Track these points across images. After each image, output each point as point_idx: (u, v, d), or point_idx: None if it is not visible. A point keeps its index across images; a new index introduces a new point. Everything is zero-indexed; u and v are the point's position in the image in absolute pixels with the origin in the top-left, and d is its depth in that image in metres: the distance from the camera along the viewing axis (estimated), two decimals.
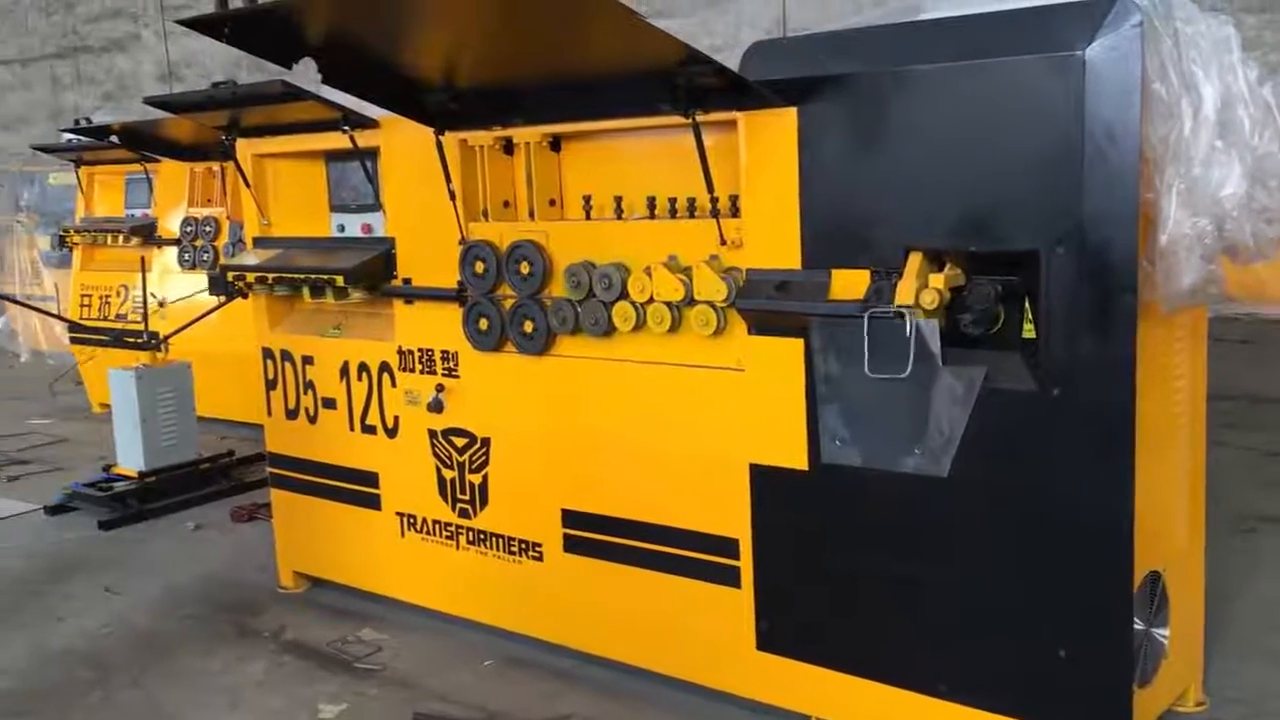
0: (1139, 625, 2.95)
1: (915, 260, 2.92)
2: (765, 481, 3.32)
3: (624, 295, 3.49)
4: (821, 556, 3.27)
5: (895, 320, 2.92)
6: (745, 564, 3.41)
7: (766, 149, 3.16)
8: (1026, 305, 2.88)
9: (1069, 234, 2.72)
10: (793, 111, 3.08)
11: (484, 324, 3.89)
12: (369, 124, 4.15)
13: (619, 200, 3.66)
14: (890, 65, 2.93)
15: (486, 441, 4.02)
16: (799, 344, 3.16)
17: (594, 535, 3.76)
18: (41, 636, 4.51)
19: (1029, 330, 2.87)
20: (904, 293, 2.90)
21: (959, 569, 3.02)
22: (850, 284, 3.04)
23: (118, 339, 7.08)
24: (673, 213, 3.54)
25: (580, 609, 3.86)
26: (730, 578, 3.45)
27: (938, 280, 2.88)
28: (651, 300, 3.42)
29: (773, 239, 3.19)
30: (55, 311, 9.40)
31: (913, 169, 2.93)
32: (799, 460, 3.23)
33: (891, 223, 2.98)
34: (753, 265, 3.25)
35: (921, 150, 2.91)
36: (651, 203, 3.58)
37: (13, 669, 4.23)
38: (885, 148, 2.97)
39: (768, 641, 3.40)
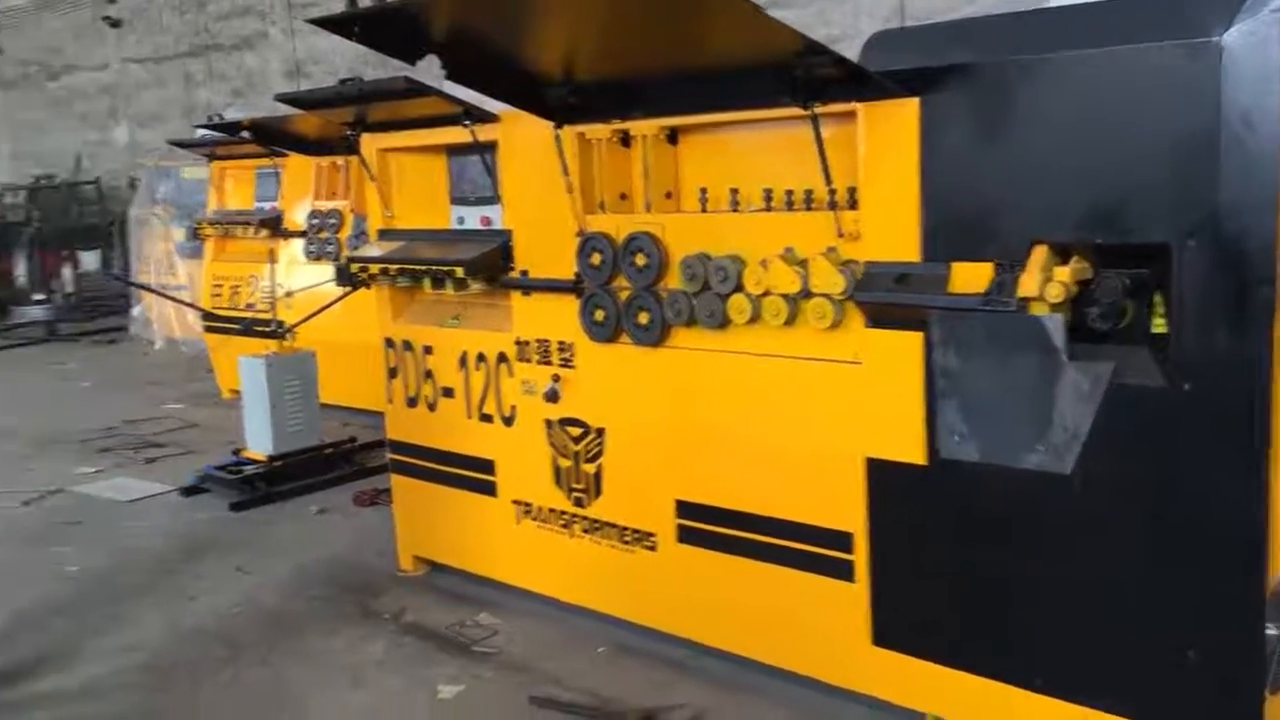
0: (1272, 630, 2.85)
1: (1040, 253, 2.86)
2: (882, 476, 3.30)
3: (739, 288, 3.49)
4: (939, 552, 3.23)
5: (1018, 314, 2.87)
6: (860, 558, 3.39)
7: (886, 140, 3.13)
8: (1156, 299, 2.80)
9: (1202, 225, 2.63)
10: (914, 102, 3.04)
11: (600, 315, 3.94)
12: (489, 118, 4.23)
13: (735, 193, 3.67)
14: (1016, 54, 2.87)
15: (601, 431, 4.07)
16: (918, 337, 3.12)
17: (707, 526, 3.78)
18: (176, 614, 4.72)
19: (1159, 324, 2.79)
20: (1028, 286, 2.84)
21: (1082, 568, 2.96)
22: (972, 277, 2.99)
23: (248, 328, 7.36)
24: (789, 205, 3.53)
25: (693, 599, 3.89)
26: (844, 572, 3.43)
27: (1063, 273, 2.82)
28: (767, 293, 3.41)
29: (892, 231, 3.16)
30: (188, 300, 9.78)
31: (1039, 159, 2.87)
32: (917, 455, 3.19)
33: (1016, 214, 2.92)
34: (871, 257, 3.22)
35: (1048, 140, 2.85)
36: (768, 195, 3.57)
37: (148, 645, 4.43)
38: (1010, 138, 2.91)
39: (883, 637, 3.38)
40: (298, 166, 8.14)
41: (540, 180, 4.00)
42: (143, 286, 11.13)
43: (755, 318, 3.47)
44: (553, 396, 4.17)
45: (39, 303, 14.14)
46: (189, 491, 6.42)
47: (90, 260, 15.18)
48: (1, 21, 20.01)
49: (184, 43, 16.16)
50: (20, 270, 14.58)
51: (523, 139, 4.10)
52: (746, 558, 3.68)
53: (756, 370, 3.57)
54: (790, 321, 3.40)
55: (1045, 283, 2.82)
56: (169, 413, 8.71)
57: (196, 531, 5.81)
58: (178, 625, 4.61)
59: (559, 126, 3.81)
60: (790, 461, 3.52)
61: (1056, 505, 2.96)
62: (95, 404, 9.14)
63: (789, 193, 3.52)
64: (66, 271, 14.52)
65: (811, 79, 3.06)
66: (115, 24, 17.36)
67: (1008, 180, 2.93)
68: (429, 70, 3.65)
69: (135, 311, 12.55)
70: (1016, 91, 2.87)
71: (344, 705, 3.87)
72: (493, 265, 4.30)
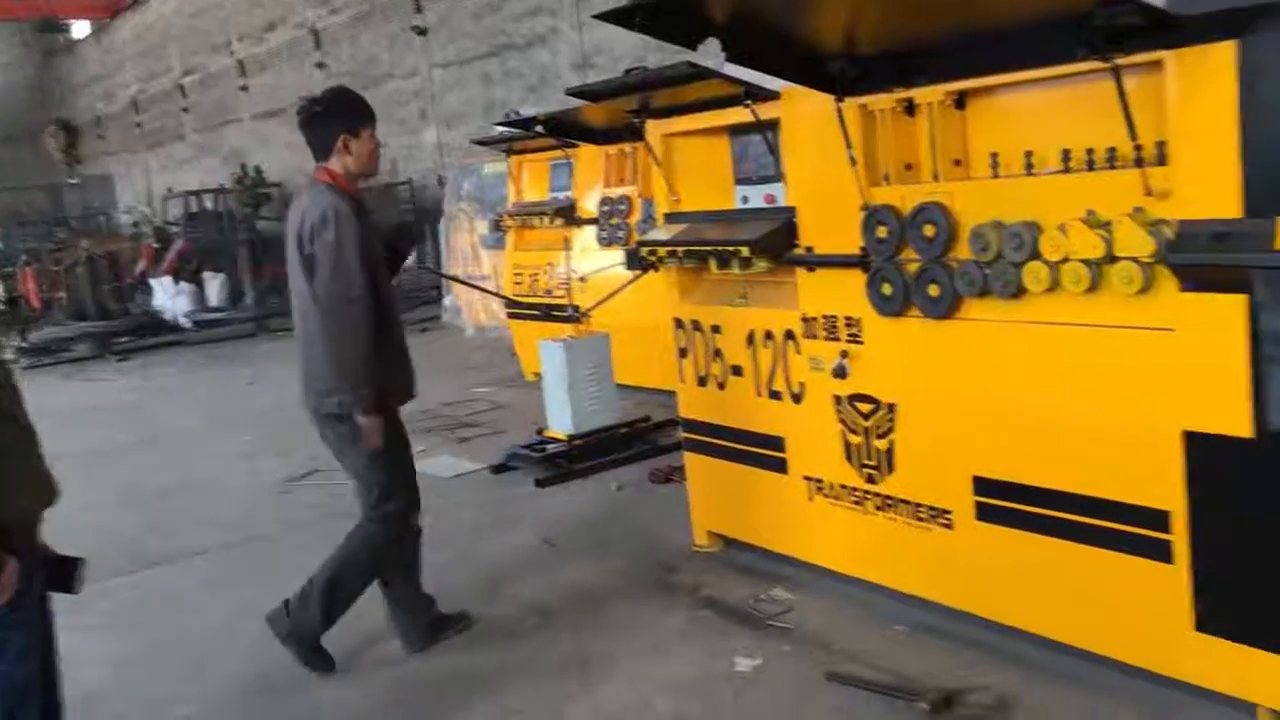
0: None
1: None
2: (1202, 450, 3.06)
3: (1036, 255, 3.33)
4: (1272, 532, 2.97)
5: None
6: (1178, 538, 3.17)
7: (1199, 88, 2.89)
8: None
9: None
10: (1231, 45, 2.79)
11: (887, 289, 3.87)
12: (769, 96, 4.24)
13: (1029, 155, 3.50)
14: None
15: (892, 407, 4.00)
16: (1241, 300, 2.88)
17: (1008, 503, 3.64)
18: (493, 582, 5.04)
19: None
20: None
21: None
22: None
23: (546, 313, 7.72)
24: (1090, 164, 3.33)
25: (994, 579, 3.76)
26: (1160, 552, 3.22)
27: None
28: (1066, 259, 3.24)
29: (1207, 186, 2.92)
30: (493, 289, 10.38)
31: None
32: (1242, 427, 2.94)
33: None
34: (1184, 215, 2.99)
35: None
36: (1065, 155, 3.39)
37: (470, 611, 4.76)
38: None
39: (1206, 622, 3.14)
40: (588, 156, 8.44)
41: (823, 155, 3.97)
42: (452, 278, 11.90)
43: (1054, 286, 3.31)
44: (841, 372, 4.13)
45: None
46: (499, 469, 6.82)
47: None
48: (323, 39, 21.91)
49: (483, 45, 17.09)
50: None
51: (804, 115, 4.08)
52: (1052, 536, 3.52)
53: (1057, 340, 3.40)
54: (1093, 288, 3.21)
55: None
56: (479, 395, 9.28)
57: (507, 506, 6.17)
58: (496, 593, 4.92)
59: (840, 99, 3.76)
60: (1097, 436, 3.34)
61: None
62: (418, 387, 9.85)
63: (1089, 152, 3.32)
64: None
65: (1112, 29, 2.88)
66: (422, 32, 18.60)
67: None
68: (709, 54, 3.70)
69: (447, 302, 13.46)
70: None
71: (647, 674, 4.01)
72: (777, 243, 4.31)
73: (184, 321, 16.12)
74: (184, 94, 28.58)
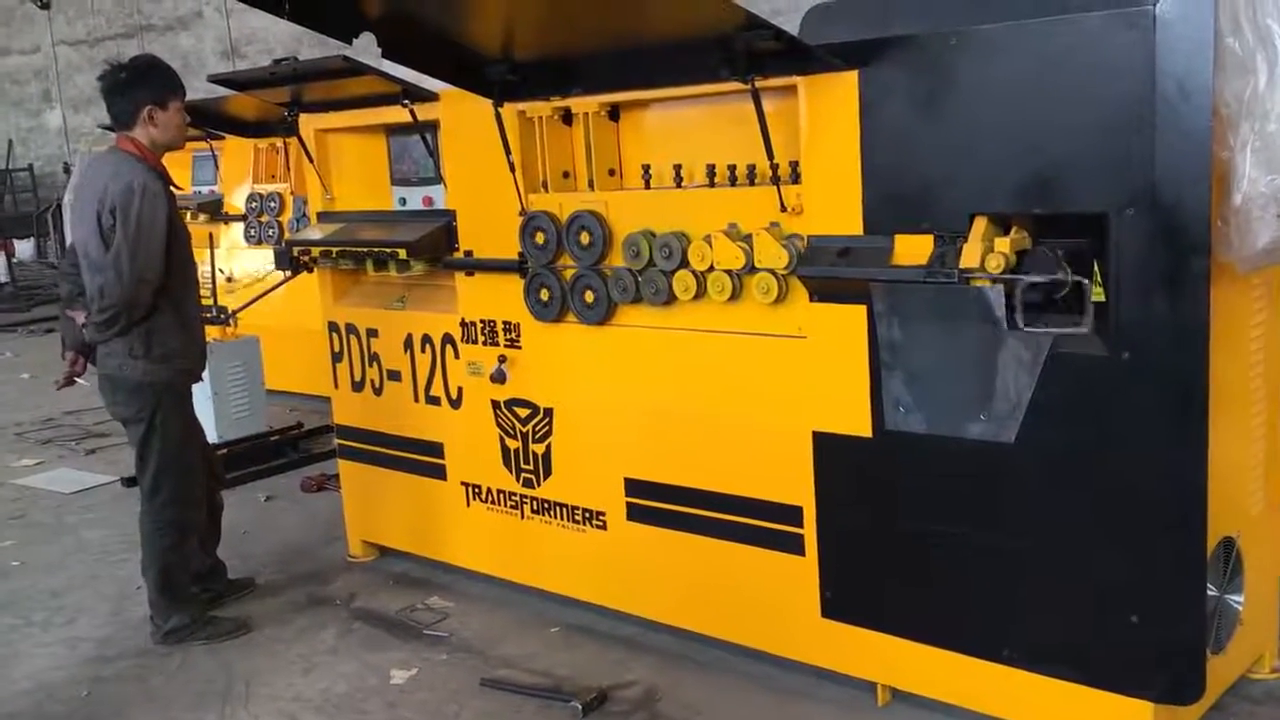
0: (1212, 591, 2.91)
1: (980, 224, 2.87)
2: (828, 449, 3.31)
3: (684, 264, 3.48)
4: (886, 524, 3.25)
5: (959, 285, 2.89)
6: (809, 531, 3.41)
7: (827, 114, 3.13)
8: (1095, 268, 2.82)
9: (1139, 195, 2.66)
10: (854, 75, 3.04)
11: (545, 295, 3.91)
12: (429, 97, 4.18)
13: (678, 169, 3.65)
14: (954, 25, 2.87)
15: (549, 412, 4.05)
16: (861, 311, 3.13)
17: (657, 504, 3.78)
18: (121, 604, 4.64)
19: (1098, 293, 2.81)
20: (969, 257, 2.86)
21: (1027, 535, 2.99)
22: (913, 249, 3.00)
23: None
24: (733, 180, 3.52)
25: (645, 577, 3.89)
26: (794, 545, 3.45)
27: (1003, 244, 2.84)
28: (712, 269, 3.41)
29: (834, 205, 3.16)
30: None
31: (978, 131, 2.88)
32: (862, 427, 3.21)
33: (956, 186, 2.93)
34: (814, 232, 3.23)
35: (986, 112, 2.86)
36: (711, 170, 3.56)
37: (95, 636, 4.36)
38: (949, 110, 2.91)
39: (832, 609, 3.40)
40: (236, 149, 8.00)
41: (482, 159, 3.95)
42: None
43: (700, 294, 3.47)
44: (499, 377, 4.13)
45: None
46: (130, 481, 6.28)
47: (25, 249, 14.84)
48: None
49: (116, 24, 15.81)
50: None
51: (463, 118, 4.05)
52: (696, 534, 3.68)
53: (702, 346, 3.57)
54: (735, 297, 3.40)
55: (986, 254, 2.83)
56: None
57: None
58: (124, 615, 4.53)
59: (499, 104, 3.75)
60: (738, 437, 3.53)
61: (1000, 475, 2.99)
62: (34, 395, 8.94)
63: (732, 168, 3.51)
64: (0, 260, 14.21)
65: (752, 53, 3.05)
66: (44, 6, 16.96)
67: (947, 151, 2.93)
68: (368, 49, 3.59)
69: None
70: (953, 63, 2.88)
71: (296, 693, 3.82)
72: (436, 246, 4.26)
73: None
74: None
